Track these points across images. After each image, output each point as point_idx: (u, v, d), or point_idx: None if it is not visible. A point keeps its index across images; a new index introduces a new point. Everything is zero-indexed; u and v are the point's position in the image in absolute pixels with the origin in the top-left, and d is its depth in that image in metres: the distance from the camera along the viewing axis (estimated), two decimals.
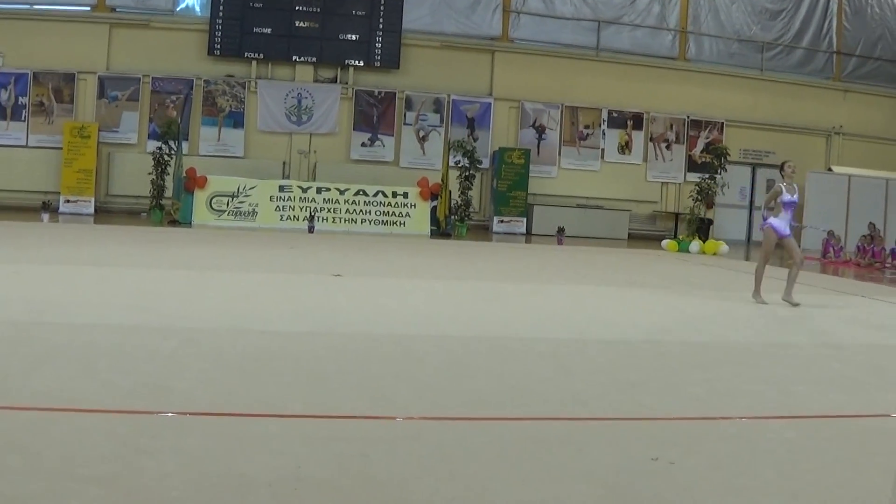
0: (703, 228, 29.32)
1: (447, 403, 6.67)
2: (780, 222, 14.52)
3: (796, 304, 14.08)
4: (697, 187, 29.03)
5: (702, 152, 33.29)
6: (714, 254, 26.77)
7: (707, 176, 29.20)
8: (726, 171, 29.34)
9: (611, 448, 5.78)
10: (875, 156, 34.70)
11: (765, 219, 14.83)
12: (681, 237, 28.79)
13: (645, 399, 7.18)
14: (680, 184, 33.57)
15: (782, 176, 14.42)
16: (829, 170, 34.19)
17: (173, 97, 29.75)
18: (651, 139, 33.59)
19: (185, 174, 25.91)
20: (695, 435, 6.27)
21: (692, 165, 33.46)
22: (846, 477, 5.47)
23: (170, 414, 5.93)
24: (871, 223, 28.76)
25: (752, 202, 35.08)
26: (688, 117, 33.74)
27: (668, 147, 33.71)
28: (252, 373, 7.28)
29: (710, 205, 29.55)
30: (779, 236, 14.57)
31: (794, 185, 14.54)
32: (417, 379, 7.45)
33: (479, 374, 7.83)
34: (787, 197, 14.34)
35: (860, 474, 5.54)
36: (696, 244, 27.32)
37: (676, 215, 32.42)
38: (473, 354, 8.75)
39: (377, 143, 31.28)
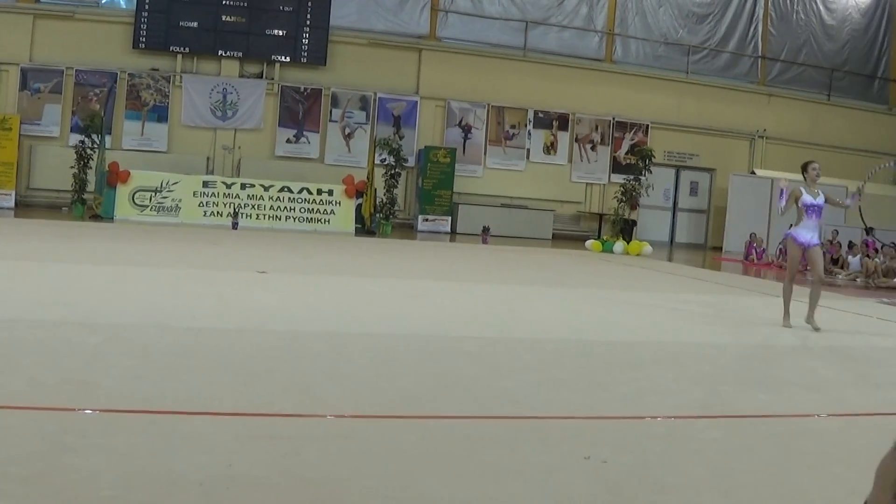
0: (626, 229, 29.53)
1: (378, 401, 6.63)
2: (802, 230, 12.67)
3: (817, 329, 12.21)
4: (622, 188, 29.26)
5: (626, 154, 33.52)
6: (638, 254, 26.95)
7: (631, 177, 29.42)
8: (651, 172, 29.60)
9: (543, 446, 5.79)
10: (798, 159, 34.34)
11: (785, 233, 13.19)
12: (605, 238, 28.98)
13: (575, 398, 7.22)
14: (604, 185, 33.77)
15: (804, 178, 12.82)
16: (753, 172, 34.61)
17: (97, 90, 29.30)
18: (576, 140, 33.73)
19: (107, 168, 25.55)
20: (625, 433, 6.31)
21: (617, 167, 33.67)
22: (774, 476, 5.54)
23: (97, 411, 5.83)
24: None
25: (675, 204, 35.44)
26: (613, 119, 33.95)
27: (593, 148, 33.89)
28: (179, 370, 7.18)
29: (634, 206, 29.79)
30: (801, 246, 12.71)
31: (819, 190, 12.79)
32: (347, 377, 7.41)
33: (409, 372, 7.82)
34: (808, 199, 12.60)
35: (788, 473, 5.63)
36: (619, 245, 27.50)
37: (600, 216, 32.60)
38: (402, 352, 8.74)
39: (302, 139, 31.10)
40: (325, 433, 5.78)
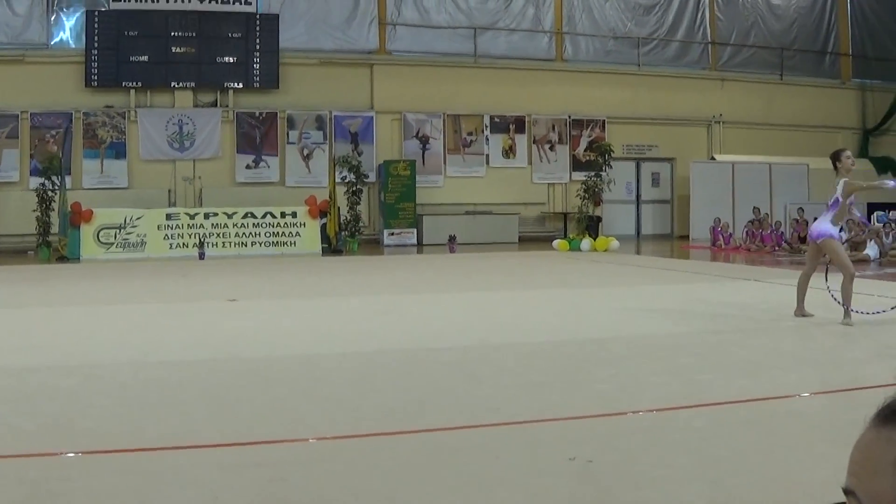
0: (592, 226, 29.59)
1: (358, 420, 6.60)
2: (835, 228, 11.63)
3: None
4: (584, 186, 29.34)
5: (585, 151, 33.67)
6: (605, 250, 27.02)
7: (592, 174, 29.52)
8: (611, 167, 29.68)
9: (527, 451, 5.78)
10: (756, 141, 35.41)
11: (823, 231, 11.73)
12: (571, 236, 29.04)
13: (554, 399, 7.22)
14: (566, 183, 33.87)
15: (837, 169, 11.61)
16: (712, 158, 34.85)
17: (53, 132, 29.17)
18: (534, 141, 33.83)
19: (70, 209, 25.44)
20: (608, 431, 6.30)
21: (577, 164, 33.79)
22: (760, 459, 5.56)
23: (79, 454, 5.80)
24: (755, 208, 29.36)
25: (638, 196, 35.62)
26: (569, 117, 34.06)
27: (551, 148, 33.99)
28: (157, 405, 7.14)
29: (597, 202, 29.87)
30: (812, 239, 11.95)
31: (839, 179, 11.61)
32: (326, 398, 7.38)
33: (387, 388, 7.80)
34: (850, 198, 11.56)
35: (774, 456, 5.64)
36: (586, 242, 27.56)
37: (565, 215, 32.71)
38: (379, 368, 8.72)
39: (262, 164, 31.07)
40: (309, 456, 5.76)
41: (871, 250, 23.17)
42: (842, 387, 7.62)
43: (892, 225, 24.33)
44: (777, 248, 26.64)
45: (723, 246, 28.38)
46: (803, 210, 27.98)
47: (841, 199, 11.40)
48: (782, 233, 27.55)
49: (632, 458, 5.59)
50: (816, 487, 5.02)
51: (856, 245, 23.77)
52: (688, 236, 32.92)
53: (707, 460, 5.55)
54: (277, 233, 27.03)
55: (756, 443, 5.96)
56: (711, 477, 5.22)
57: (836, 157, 11.66)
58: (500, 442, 6.04)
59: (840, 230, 11.66)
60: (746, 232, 28.39)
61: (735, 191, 32.90)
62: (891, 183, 11.88)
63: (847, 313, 11.30)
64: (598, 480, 5.15)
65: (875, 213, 27.28)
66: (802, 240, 25.80)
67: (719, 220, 29.60)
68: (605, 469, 5.35)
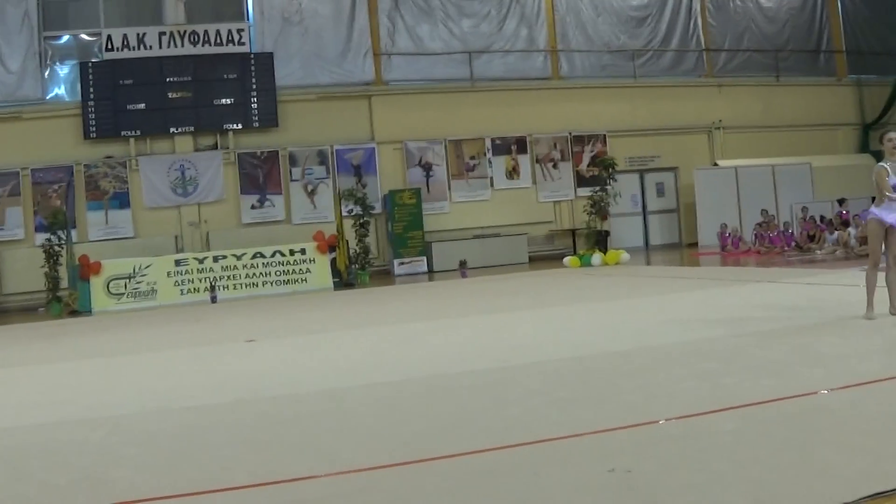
0: (601, 240, 29.62)
1: (391, 449, 6.57)
2: (885, 210, 11.19)
3: None
4: (590, 201, 29.34)
5: (589, 166, 33.68)
6: (616, 263, 27.04)
7: (598, 188, 29.53)
8: (616, 181, 29.72)
9: (565, 467, 5.76)
10: (757, 144, 35.45)
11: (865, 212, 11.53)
12: (581, 252, 29.04)
13: (585, 414, 7.20)
14: (572, 200, 33.85)
15: (884, 153, 11.35)
16: (715, 164, 34.84)
17: (55, 186, 29.20)
18: (537, 160, 33.84)
19: (78, 262, 25.46)
20: (642, 441, 6.28)
21: (581, 180, 33.80)
22: (796, 456, 5.57)
23: None
24: (763, 210, 29.38)
25: (644, 207, 35.60)
26: (570, 134, 34.07)
27: (554, 166, 33.99)
28: (187, 450, 7.12)
29: (604, 216, 29.87)
30: (888, 224, 11.21)
31: None
32: (355, 430, 7.36)
33: (416, 416, 7.77)
34: (893, 179, 11.12)
35: (810, 451, 5.65)
36: (597, 257, 27.57)
37: (573, 231, 32.69)
38: (405, 397, 8.69)
39: (267, 203, 31.08)
40: (346, 490, 5.73)
41: None
42: (868, 379, 7.63)
43: None
44: (787, 248, 26.60)
45: (732, 250, 28.35)
46: (807, 209, 27.95)
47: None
48: (791, 233, 27.51)
49: (669, 465, 5.59)
50: (856, 478, 5.03)
51: (865, 239, 23.70)
52: (696, 244, 32.90)
53: (743, 461, 5.54)
54: (288, 271, 27.00)
55: (789, 440, 5.96)
56: (751, 477, 5.21)
57: (880, 140, 11.57)
58: (536, 460, 6.00)
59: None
60: (755, 234, 28.37)
61: (740, 195, 32.90)
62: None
63: (869, 305, 11.25)
64: (640, 490, 5.13)
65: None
66: (812, 238, 25.84)
67: (726, 226, 29.60)
68: (644, 478, 5.34)
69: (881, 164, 11.30)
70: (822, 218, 26.98)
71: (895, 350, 9.10)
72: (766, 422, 6.56)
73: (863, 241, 23.25)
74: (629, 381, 8.48)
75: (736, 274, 20.82)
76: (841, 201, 28.36)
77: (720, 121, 35.63)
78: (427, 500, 5.31)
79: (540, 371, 9.48)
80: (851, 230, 24.16)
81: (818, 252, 24.79)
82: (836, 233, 25.19)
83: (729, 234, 29.15)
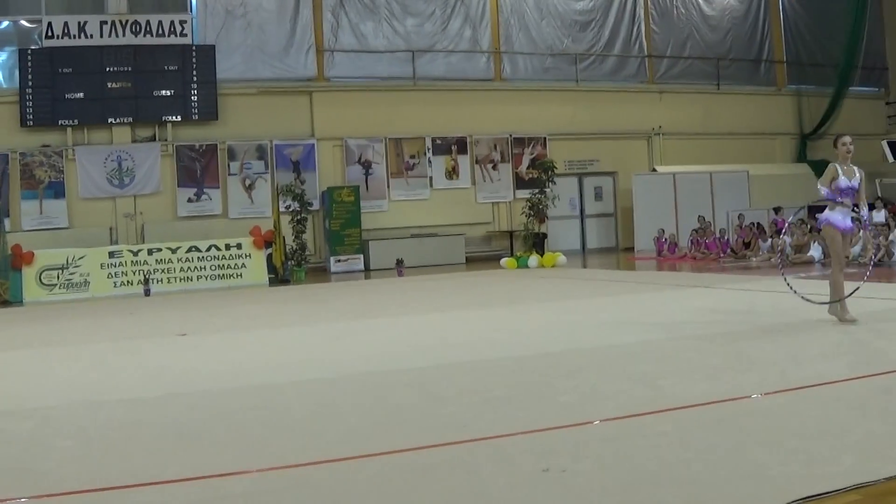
0: (538, 242, 29.75)
1: (325, 446, 6.51)
2: (838, 215, 11.34)
3: (854, 321, 11.17)
4: (529, 203, 29.47)
5: (528, 168, 33.79)
6: (553, 266, 27.13)
7: (536, 191, 29.65)
8: (554, 183, 29.87)
9: (500, 465, 5.74)
10: (696, 151, 35.74)
11: (819, 220, 11.64)
12: (518, 254, 29.11)
13: (520, 413, 7.19)
14: (510, 202, 33.94)
15: (837, 156, 11.39)
16: (654, 170, 35.07)
17: None
18: (477, 161, 33.90)
19: (10, 252, 25.10)
20: (577, 441, 6.28)
21: (520, 182, 33.89)
22: (732, 458, 5.61)
23: (42, 497, 5.65)
24: (700, 216, 29.59)
25: (582, 211, 35.79)
26: (510, 136, 34.16)
27: (494, 167, 34.07)
28: (118, 444, 6.99)
29: (542, 219, 30.00)
30: (841, 230, 11.39)
31: (854, 168, 11.42)
32: (289, 426, 7.28)
33: (350, 412, 7.70)
34: (843, 182, 11.26)
35: (744, 453, 5.68)
36: (534, 259, 27.64)
37: (511, 233, 32.79)
38: (339, 394, 8.63)
39: (204, 197, 30.86)
40: (277, 486, 5.65)
41: (816, 251, 23.35)
42: (801, 384, 7.69)
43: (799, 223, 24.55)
44: (722, 254, 26.83)
45: (668, 255, 28.57)
46: (743, 217, 28.19)
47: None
48: (727, 240, 27.74)
49: (604, 465, 5.59)
50: (788, 481, 5.06)
51: (799, 247, 23.96)
52: (633, 248, 33.10)
53: (677, 463, 5.56)
54: (223, 265, 26.80)
55: (723, 443, 6.00)
56: (684, 479, 5.23)
57: (834, 144, 11.57)
58: (472, 458, 5.97)
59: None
60: (691, 240, 28.59)
61: (678, 201, 33.10)
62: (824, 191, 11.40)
63: (843, 308, 11.30)
64: (574, 490, 5.12)
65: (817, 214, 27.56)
66: (747, 245, 26.08)
67: (663, 231, 29.84)
68: (579, 478, 5.33)
69: (833, 164, 11.35)
70: (757, 225, 27.22)
71: (828, 356, 9.20)
72: (700, 424, 6.59)
73: (798, 249, 23.54)
74: (565, 381, 8.49)
75: (672, 279, 20.98)
76: (777, 210, 28.64)
77: (660, 127, 35.89)
78: (360, 497, 5.27)
79: (475, 370, 9.47)
80: (787, 238, 24.42)
81: (753, 259, 25.04)
82: (770, 240, 25.46)
83: (665, 240, 29.39)
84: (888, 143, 30.18)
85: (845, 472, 5.15)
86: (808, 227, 24.21)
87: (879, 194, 29.93)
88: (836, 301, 11.30)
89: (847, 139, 11.38)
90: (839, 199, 11.25)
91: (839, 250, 11.43)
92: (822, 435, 6.04)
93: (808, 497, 4.76)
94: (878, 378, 7.87)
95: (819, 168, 34.64)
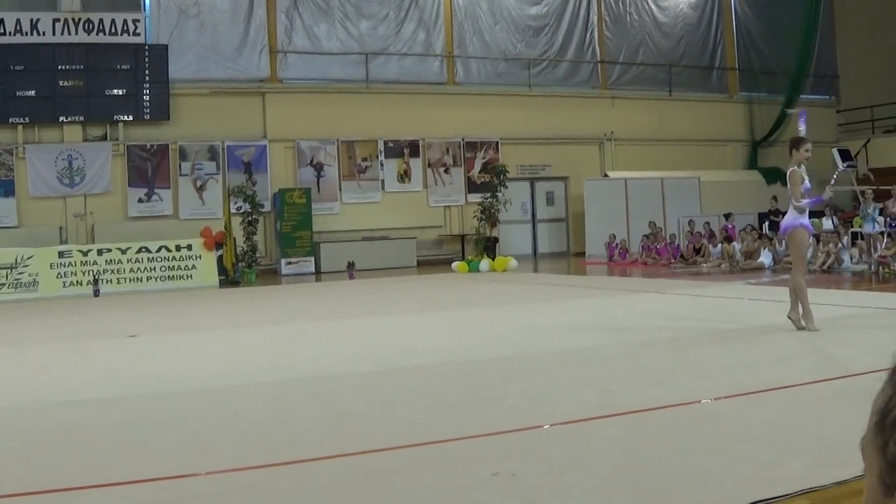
0: (490, 247, 29.75)
1: (273, 450, 6.47)
2: (807, 219, 11.27)
3: (816, 329, 11.08)
4: (480, 207, 29.45)
5: (480, 172, 33.76)
6: (504, 270, 27.13)
7: (488, 195, 29.64)
8: (506, 188, 29.86)
9: (449, 469, 5.74)
10: (647, 157, 35.91)
11: (791, 223, 11.25)
12: (469, 258, 29.09)
13: (470, 417, 7.18)
14: (462, 206, 33.92)
15: (791, 157, 11.25)
16: (606, 175, 35.17)
17: None
18: (429, 165, 33.87)
19: None
20: (527, 445, 6.29)
21: (472, 186, 33.88)
22: (680, 462, 5.64)
23: None
24: (651, 222, 29.72)
25: (534, 215, 35.85)
26: (463, 140, 34.17)
27: (446, 171, 34.06)
28: (64, 445, 6.92)
29: (494, 223, 29.99)
30: (809, 233, 11.53)
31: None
32: (236, 429, 7.23)
33: (299, 416, 7.68)
34: (807, 185, 11.18)
35: (693, 458, 5.73)
36: (485, 263, 27.64)
37: (462, 237, 32.79)
38: (288, 397, 8.60)
39: (154, 197, 30.61)
40: (225, 488, 5.62)
41: (766, 258, 23.52)
42: (751, 389, 7.73)
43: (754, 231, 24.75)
44: (673, 260, 26.98)
45: (619, 261, 28.70)
46: (694, 222, 28.34)
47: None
48: (677, 245, 27.89)
49: (554, 469, 5.59)
50: (737, 485, 5.10)
51: (749, 253, 24.12)
52: (584, 253, 33.20)
53: (627, 467, 5.58)
54: (173, 266, 26.64)
55: (674, 446, 6.04)
56: (634, 481, 5.26)
57: (795, 146, 11.22)
58: (421, 462, 5.97)
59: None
60: (642, 246, 28.73)
61: (629, 206, 33.24)
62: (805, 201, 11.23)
63: (808, 316, 11.17)
64: (524, 494, 5.12)
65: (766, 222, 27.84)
66: (697, 251, 26.22)
67: (614, 237, 29.97)
68: (529, 482, 5.33)
69: (796, 169, 11.11)
70: (710, 232, 27.37)
71: (780, 361, 9.25)
72: (650, 428, 6.62)
73: (748, 255, 23.70)
74: (515, 385, 8.49)
75: (622, 284, 21.05)
76: (727, 216, 28.82)
77: (612, 133, 36.03)
78: (309, 500, 5.24)
79: (425, 374, 9.46)
80: (736, 245, 24.59)
81: (703, 265, 25.20)
82: (720, 245, 25.63)
83: (616, 245, 29.52)
84: (838, 150, 30.50)
85: (794, 476, 5.18)
86: (758, 233, 24.41)
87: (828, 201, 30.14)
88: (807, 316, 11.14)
89: (809, 145, 11.25)
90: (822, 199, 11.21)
91: (805, 256, 11.46)
92: (772, 440, 6.08)
93: (757, 501, 4.78)
94: (828, 383, 7.94)
95: (770, 175, 35.01)
